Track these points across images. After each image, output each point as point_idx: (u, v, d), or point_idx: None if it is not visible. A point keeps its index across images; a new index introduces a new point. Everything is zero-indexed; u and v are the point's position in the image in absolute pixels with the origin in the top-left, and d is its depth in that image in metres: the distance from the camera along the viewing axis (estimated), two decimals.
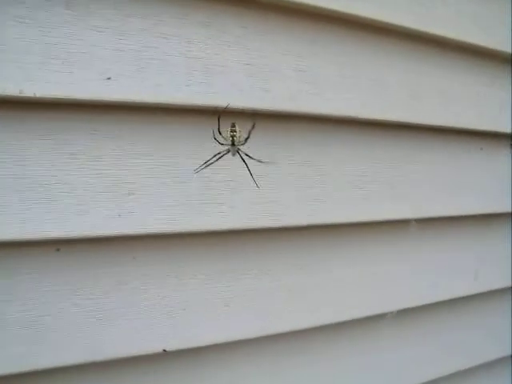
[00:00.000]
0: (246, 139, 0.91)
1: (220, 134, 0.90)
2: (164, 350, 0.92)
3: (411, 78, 1.19)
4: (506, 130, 1.39)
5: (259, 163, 0.94)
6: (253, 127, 0.91)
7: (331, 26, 1.06)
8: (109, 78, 0.83)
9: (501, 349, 1.54)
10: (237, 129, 0.90)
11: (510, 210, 1.44)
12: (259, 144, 0.97)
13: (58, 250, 0.85)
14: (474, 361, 1.47)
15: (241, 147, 0.92)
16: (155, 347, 0.93)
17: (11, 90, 0.76)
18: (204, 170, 0.90)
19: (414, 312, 1.31)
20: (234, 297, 1.01)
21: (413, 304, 1.29)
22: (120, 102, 0.84)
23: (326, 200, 1.08)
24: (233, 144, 0.90)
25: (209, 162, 0.90)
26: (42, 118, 0.80)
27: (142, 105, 0.86)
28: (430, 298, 1.32)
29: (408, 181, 1.23)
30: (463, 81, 1.29)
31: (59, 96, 0.79)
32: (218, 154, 0.91)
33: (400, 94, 1.17)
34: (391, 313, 1.23)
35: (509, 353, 1.55)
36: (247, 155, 0.92)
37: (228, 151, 0.91)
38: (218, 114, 0.89)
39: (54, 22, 0.79)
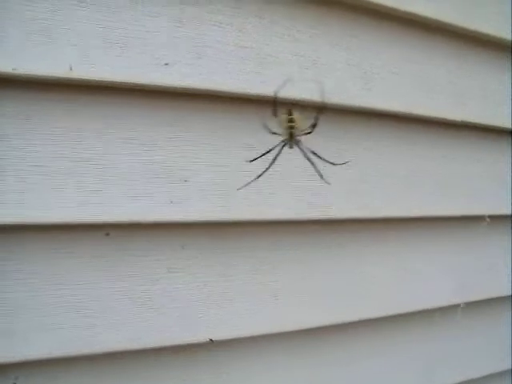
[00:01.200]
0: (314, 126, 0.77)
1: (276, 117, 0.77)
2: (210, 340, 0.92)
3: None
4: None
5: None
6: (321, 112, 0.77)
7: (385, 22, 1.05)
8: (166, 64, 0.83)
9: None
10: (295, 116, 0.76)
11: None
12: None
13: (107, 234, 0.85)
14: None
15: (302, 139, 0.78)
16: (201, 337, 0.92)
17: (66, 71, 0.76)
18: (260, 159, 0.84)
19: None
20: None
21: None
22: (177, 88, 0.84)
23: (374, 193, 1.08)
24: (290, 136, 0.76)
25: (264, 155, 0.81)
26: (98, 101, 0.80)
27: (198, 91, 0.86)
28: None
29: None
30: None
31: (116, 80, 0.79)
32: (278, 146, 0.79)
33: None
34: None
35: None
36: (314, 153, 0.79)
37: (284, 144, 0.78)
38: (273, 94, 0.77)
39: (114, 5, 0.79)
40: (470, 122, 1.21)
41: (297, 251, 1.02)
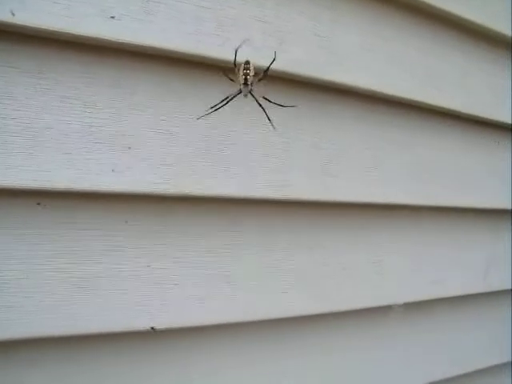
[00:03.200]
0: (266, 72, 0.79)
1: (235, 66, 0.78)
2: (152, 328, 0.83)
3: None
4: None
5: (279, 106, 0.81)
6: (272, 63, 0.79)
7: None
8: (112, 17, 0.74)
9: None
10: (251, 67, 0.78)
11: None
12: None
13: (38, 203, 0.75)
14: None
15: (256, 88, 0.79)
16: (142, 324, 0.83)
17: (1, 14, 0.67)
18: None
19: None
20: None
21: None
22: (123, 45, 0.75)
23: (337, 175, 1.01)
24: (245, 83, 0.78)
25: (216, 107, 0.79)
26: (33, 52, 0.71)
27: (147, 50, 0.78)
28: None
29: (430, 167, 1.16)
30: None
31: (56, 29, 0.70)
32: (227, 97, 0.79)
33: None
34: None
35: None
36: (265, 98, 0.80)
37: (239, 92, 0.78)
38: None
39: None
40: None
41: (256, 232, 0.94)
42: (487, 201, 1.30)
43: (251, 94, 0.80)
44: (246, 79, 0.78)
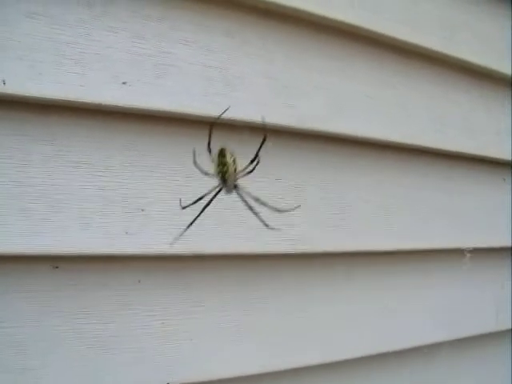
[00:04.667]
0: (252, 161, 0.64)
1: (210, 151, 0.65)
2: None
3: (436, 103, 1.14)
4: None
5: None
6: (263, 142, 0.63)
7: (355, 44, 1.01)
8: (124, 83, 0.76)
9: None
10: (228, 157, 0.63)
11: None
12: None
13: (56, 267, 0.77)
14: None
15: (240, 182, 0.65)
16: (157, 381, 0.84)
17: (16, 88, 0.69)
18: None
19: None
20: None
21: None
22: (135, 109, 0.77)
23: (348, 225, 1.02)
24: (223, 181, 0.63)
25: (195, 202, 0.68)
26: (46, 121, 0.74)
27: (158, 113, 0.80)
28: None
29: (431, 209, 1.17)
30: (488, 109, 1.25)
31: (70, 98, 0.72)
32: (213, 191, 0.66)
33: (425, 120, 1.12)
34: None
35: None
36: (257, 199, 0.67)
37: (220, 190, 0.65)
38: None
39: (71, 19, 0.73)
40: None
41: (267, 287, 0.95)
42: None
43: (237, 193, 0.67)
44: (223, 178, 0.64)
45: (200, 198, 0.67)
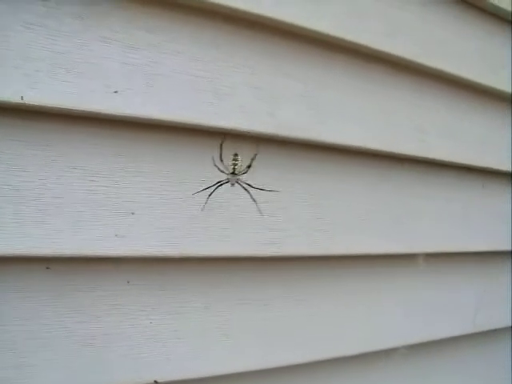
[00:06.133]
0: (248, 167, 0.89)
1: (222, 161, 0.88)
2: (155, 382, 0.87)
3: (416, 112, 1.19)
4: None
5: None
6: (255, 156, 0.89)
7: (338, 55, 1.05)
8: (115, 92, 0.80)
9: None
10: (239, 158, 0.88)
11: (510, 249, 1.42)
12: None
13: (47, 268, 0.80)
14: None
15: (241, 177, 0.89)
16: (145, 378, 0.87)
17: (11, 95, 0.72)
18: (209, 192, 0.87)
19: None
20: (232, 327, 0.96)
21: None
22: (125, 117, 0.81)
23: (328, 230, 1.05)
24: (233, 173, 0.88)
25: (208, 190, 0.87)
26: (41, 127, 0.77)
27: (148, 121, 0.83)
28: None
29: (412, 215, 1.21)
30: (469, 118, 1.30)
31: (63, 106, 0.75)
32: (219, 182, 0.87)
33: (407, 128, 1.16)
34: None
35: None
36: (248, 184, 0.89)
37: (228, 181, 0.88)
38: (221, 139, 0.88)
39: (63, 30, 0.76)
40: None
41: (251, 288, 0.98)
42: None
43: (238, 183, 0.89)
44: (234, 169, 0.88)
45: (206, 188, 0.87)
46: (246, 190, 0.89)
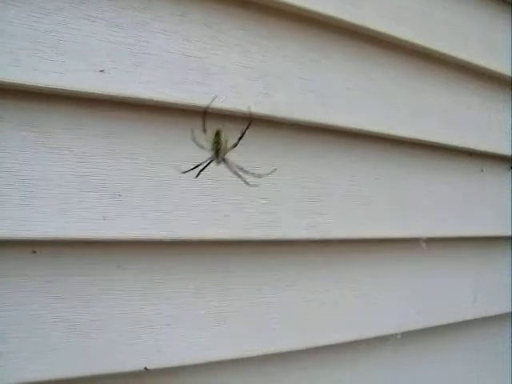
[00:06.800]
0: (240, 138, 0.80)
1: (204, 131, 0.80)
2: (145, 368, 0.85)
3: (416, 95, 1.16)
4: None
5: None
6: (248, 126, 0.80)
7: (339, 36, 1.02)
8: (102, 71, 0.77)
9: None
10: (222, 136, 0.80)
11: (509, 234, 1.40)
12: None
13: (34, 252, 0.78)
14: None
15: (228, 155, 0.82)
16: (135, 364, 0.85)
17: None
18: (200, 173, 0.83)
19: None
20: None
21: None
22: (112, 97, 0.79)
23: (325, 213, 1.03)
24: (216, 153, 0.80)
25: (197, 168, 0.81)
26: (25, 107, 0.74)
27: (136, 101, 0.81)
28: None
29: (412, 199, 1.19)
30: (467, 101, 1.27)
31: (48, 85, 0.73)
32: (209, 159, 0.82)
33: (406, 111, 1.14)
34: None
35: None
36: (240, 168, 0.83)
37: (211, 161, 0.81)
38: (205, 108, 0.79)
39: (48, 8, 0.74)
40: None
41: (244, 273, 0.96)
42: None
43: (224, 162, 0.82)
44: (217, 151, 0.80)
45: (196, 166, 0.81)
46: (235, 173, 0.83)
